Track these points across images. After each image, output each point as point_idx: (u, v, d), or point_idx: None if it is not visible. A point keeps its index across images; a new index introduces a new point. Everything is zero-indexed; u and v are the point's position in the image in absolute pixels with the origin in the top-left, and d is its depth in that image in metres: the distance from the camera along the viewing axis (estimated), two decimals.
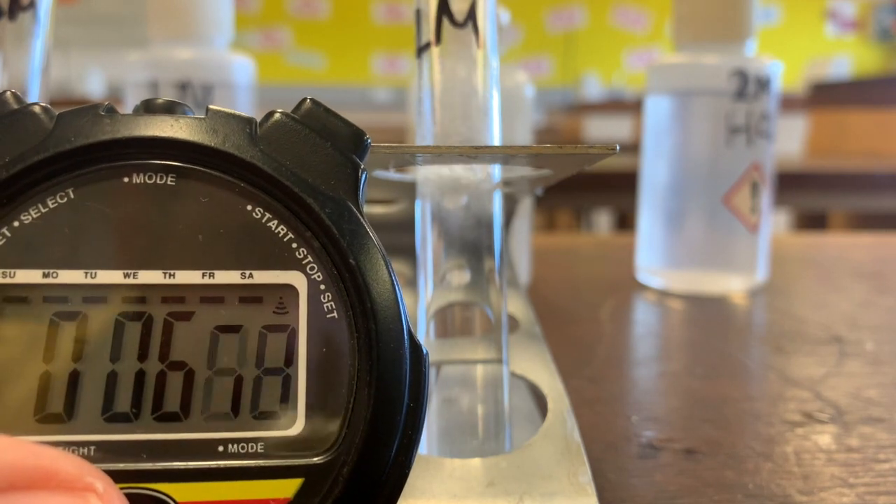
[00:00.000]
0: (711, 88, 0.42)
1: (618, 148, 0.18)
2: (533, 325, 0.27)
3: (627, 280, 0.47)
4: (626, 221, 1.61)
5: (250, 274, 0.14)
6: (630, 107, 2.35)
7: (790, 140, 1.68)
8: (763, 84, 0.42)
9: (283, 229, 0.14)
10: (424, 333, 0.23)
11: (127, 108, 0.15)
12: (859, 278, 0.48)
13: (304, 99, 0.15)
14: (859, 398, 0.27)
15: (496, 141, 0.22)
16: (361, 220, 0.14)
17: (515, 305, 0.28)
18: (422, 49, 0.22)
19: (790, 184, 1.10)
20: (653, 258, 0.45)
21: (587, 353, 0.33)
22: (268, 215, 0.14)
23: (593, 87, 3.14)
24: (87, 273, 0.14)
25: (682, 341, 0.36)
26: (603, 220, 1.99)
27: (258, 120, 0.15)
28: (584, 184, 1.16)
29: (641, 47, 3.33)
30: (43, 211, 0.14)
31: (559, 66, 3.34)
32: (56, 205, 0.14)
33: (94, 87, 2.71)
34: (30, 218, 0.14)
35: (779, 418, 0.26)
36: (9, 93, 0.14)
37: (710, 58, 0.42)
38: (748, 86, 0.42)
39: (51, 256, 0.14)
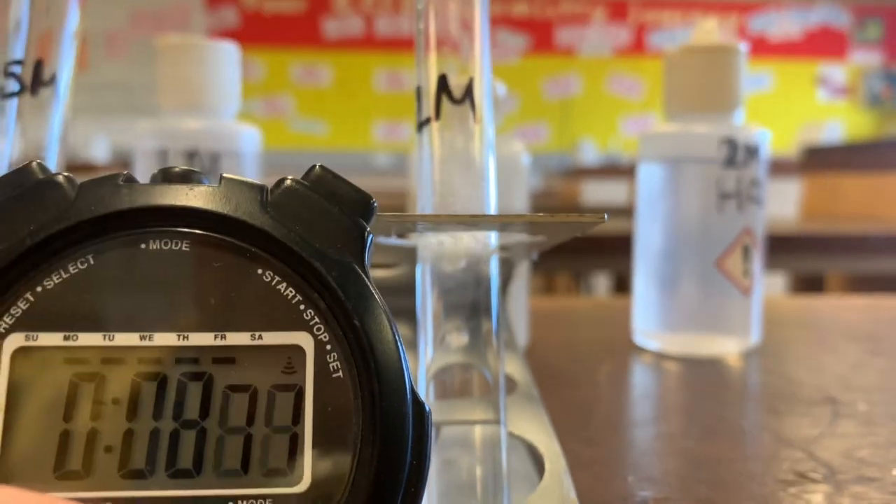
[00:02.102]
0: (702, 156, 0.43)
1: (606, 217, 0.19)
2: (530, 386, 0.27)
3: (624, 342, 0.47)
4: (623, 284, 1.62)
5: (260, 335, 0.15)
6: (626, 171, 2.39)
7: (785, 203, 1.71)
8: (752, 152, 0.44)
9: (291, 291, 0.15)
10: (425, 394, 0.24)
11: (136, 174, 0.16)
12: (853, 340, 0.49)
13: (314, 165, 0.16)
14: (852, 458, 0.28)
15: (493, 208, 0.23)
16: (367, 282, 0.15)
17: (513, 367, 0.28)
18: (422, 124, 0.24)
19: (785, 247, 1.12)
20: (649, 321, 0.46)
21: (585, 415, 0.33)
22: (277, 278, 0.15)
23: (590, 153, 3.20)
24: (105, 336, 0.15)
25: (678, 403, 0.36)
26: (601, 283, 2.00)
27: (269, 187, 0.16)
28: (581, 247, 1.17)
29: (636, 114, 3.40)
30: (64, 276, 0.15)
31: (556, 132, 3.40)
32: (77, 270, 0.15)
33: (99, 152, 2.76)
34: (52, 283, 0.15)
35: (773, 478, 0.26)
36: (35, 163, 0.15)
37: (700, 127, 0.44)
38: (737, 153, 0.43)
39: (72, 320, 0.15)
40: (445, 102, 0.24)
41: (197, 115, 0.44)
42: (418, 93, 0.24)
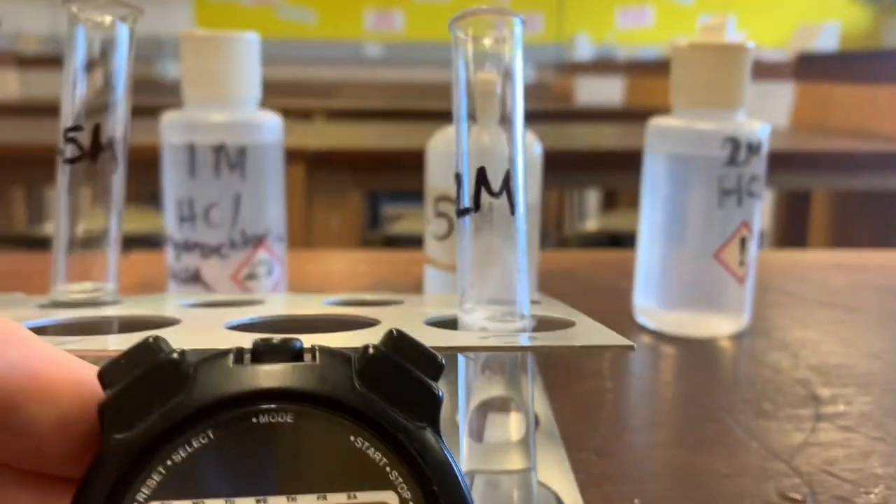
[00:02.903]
0: (705, 154, 0.45)
1: (634, 346, 0.22)
2: (551, 423, 0.31)
3: (626, 318, 0.51)
4: (612, 201, 1.65)
5: (355, 495, 0.18)
6: (621, 67, 2.36)
7: (777, 112, 1.71)
8: (754, 149, 0.46)
9: (378, 455, 0.18)
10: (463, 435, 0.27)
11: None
12: (829, 308, 0.53)
13: (391, 331, 0.19)
14: (832, 474, 0.32)
15: (525, 296, 0.26)
16: (442, 447, 0.18)
17: (535, 398, 0.31)
18: (461, 212, 0.26)
19: (775, 163, 1.14)
20: (648, 299, 0.49)
21: (592, 418, 0.37)
22: (367, 444, 0.18)
23: (584, 48, 3.14)
24: (227, 501, 0.18)
25: (674, 399, 0.40)
26: (592, 198, 2.02)
27: (356, 356, 0.18)
28: (573, 162, 1.19)
29: (633, 5, 3.31)
30: (189, 451, 0.18)
31: (550, 23, 3.32)
32: (199, 445, 0.18)
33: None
34: (179, 457, 0.18)
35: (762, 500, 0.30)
36: (151, 339, 0.18)
37: (705, 124, 0.46)
38: (740, 152, 0.45)
39: (197, 488, 0.18)
40: (484, 194, 0.26)
41: (222, 107, 0.45)
42: (458, 179, 0.26)
